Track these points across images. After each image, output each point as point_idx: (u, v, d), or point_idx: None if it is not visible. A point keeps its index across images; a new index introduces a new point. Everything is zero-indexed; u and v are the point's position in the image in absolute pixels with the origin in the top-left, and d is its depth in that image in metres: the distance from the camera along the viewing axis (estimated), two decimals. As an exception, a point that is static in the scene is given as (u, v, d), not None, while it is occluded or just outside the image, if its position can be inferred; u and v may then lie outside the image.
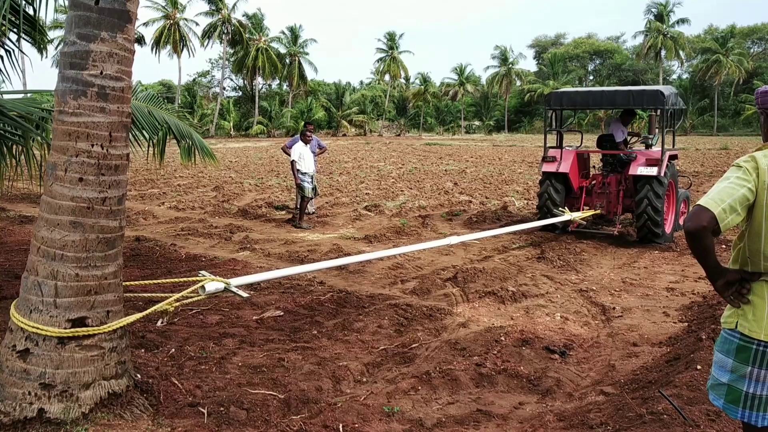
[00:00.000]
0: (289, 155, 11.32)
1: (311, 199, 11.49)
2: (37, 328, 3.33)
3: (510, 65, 77.22)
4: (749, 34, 78.30)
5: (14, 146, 6.00)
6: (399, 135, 72.20)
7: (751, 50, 77.75)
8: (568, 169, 9.84)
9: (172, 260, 8.08)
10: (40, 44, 6.29)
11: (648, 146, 10.10)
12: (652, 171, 9.06)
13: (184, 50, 61.56)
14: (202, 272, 4.22)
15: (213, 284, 4.06)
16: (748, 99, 61.80)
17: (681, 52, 70.80)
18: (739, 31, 74.05)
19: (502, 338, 5.12)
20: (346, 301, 6.25)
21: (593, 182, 10.29)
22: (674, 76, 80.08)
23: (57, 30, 44.85)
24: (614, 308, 6.20)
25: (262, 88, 71.47)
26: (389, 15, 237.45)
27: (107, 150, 3.46)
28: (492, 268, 7.66)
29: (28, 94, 6.89)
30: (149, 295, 4.85)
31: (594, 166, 11.68)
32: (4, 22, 5.08)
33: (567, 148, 10.42)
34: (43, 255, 3.40)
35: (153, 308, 3.84)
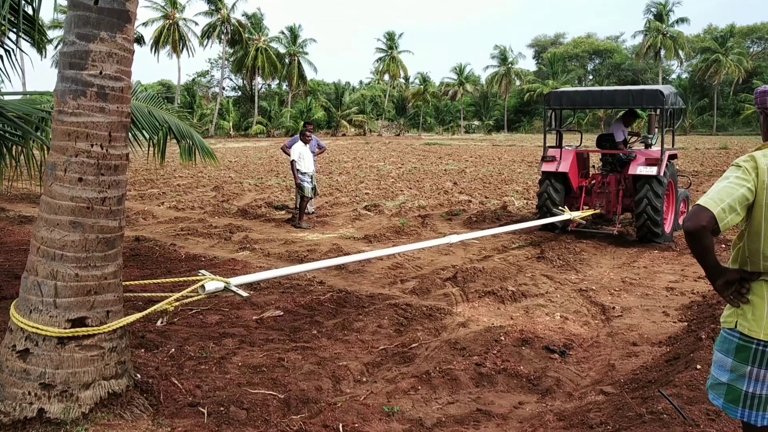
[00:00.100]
0: (289, 155, 11.32)
1: (311, 198, 11.49)
2: (37, 328, 3.33)
3: (509, 65, 77.21)
4: (748, 34, 78.31)
5: (14, 147, 6.00)
6: (398, 135, 72.20)
7: (751, 50, 77.78)
8: (568, 169, 9.84)
9: (171, 260, 8.08)
10: (40, 44, 6.28)
11: (647, 146, 10.10)
12: (652, 170, 9.06)
13: (184, 50, 61.58)
14: (202, 272, 4.22)
15: (213, 284, 4.06)
16: (747, 98, 61.80)
17: (680, 52, 70.81)
18: (738, 30, 74.05)
19: (502, 338, 5.12)
20: (346, 301, 6.25)
21: (593, 182, 10.29)
22: (674, 76, 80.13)
23: (56, 30, 44.83)
24: (614, 308, 6.20)
25: (261, 88, 71.50)
26: (388, 15, 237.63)
27: (107, 150, 3.46)
28: (492, 267, 7.66)
29: (27, 95, 6.89)
30: (149, 294, 4.84)
31: (593, 166, 11.68)
32: (3, 22, 5.07)
33: (566, 147, 10.42)
34: (43, 255, 3.40)
35: (153, 308, 3.84)
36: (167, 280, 5.04)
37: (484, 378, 4.41)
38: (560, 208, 9.68)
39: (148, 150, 7.49)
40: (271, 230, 10.65)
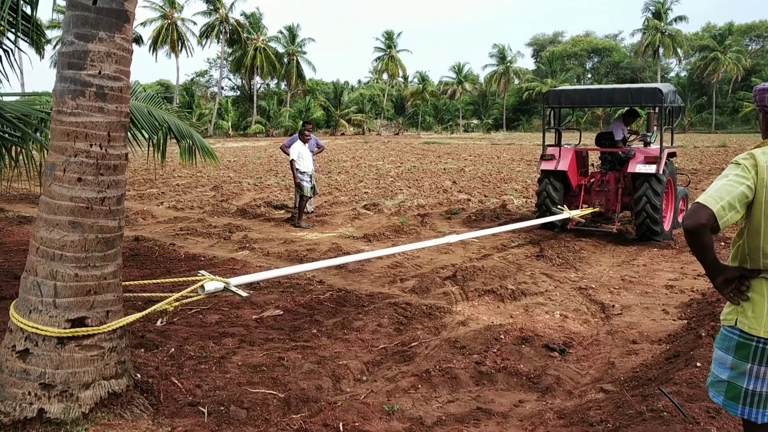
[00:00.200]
0: (288, 154, 11.31)
1: (310, 198, 11.49)
2: (37, 329, 3.32)
3: (508, 64, 77.19)
4: (747, 32, 78.28)
5: (13, 147, 5.99)
6: (397, 134, 72.18)
7: (749, 48, 77.74)
8: (567, 167, 9.84)
9: (171, 260, 8.08)
10: (38, 44, 6.28)
11: (646, 144, 10.11)
12: (651, 169, 9.06)
13: (182, 50, 61.55)
14: (202, 272, 4.22)
15: (212, 284, 4.06)
16: (746, 96, 61.81)
17: (679, 50, 70.80)
18: (736, 28, 74.02)
19: (502, 336, 5.12)
20: (346, 300, 6.25)
21: (592, 180, 10.29)
22: (672, 74, 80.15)
23: (55, 30, 44.81)
24: (613, 306, 6.21)
25: (260, 87, 71.47)
26: (387, 14, 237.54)
27: (106, 150, 3.46)
28: (491, 266, 7.66)
29: (26, 96, 6.88)
30: (149, 294, 4.84)
31: (593, 164, 11.68)
32: (2, 23, 5.06)
33: (566, 146, 10.42)
34: (42, 255, 3.39)
35: (152, 308, 3.84)
36: (167, 280, 5.04)
37: (484, 376, 4.41)
38: (559, 206, 9.68)
39: (148, 150, 7.48)
40: (271, 230, 10.65)
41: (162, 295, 4.09)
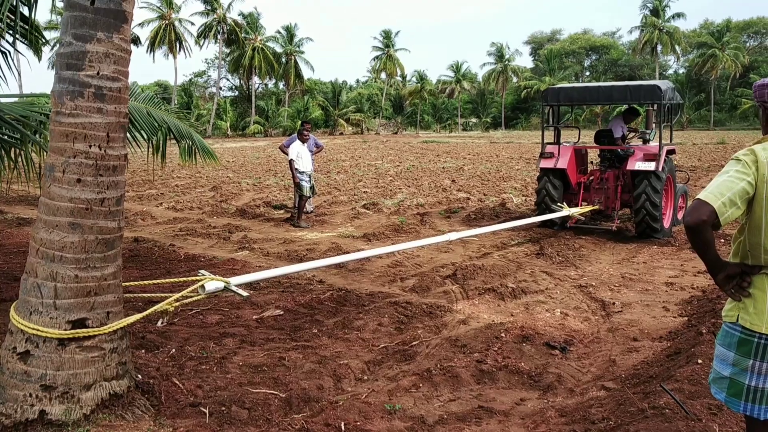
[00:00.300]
0: (287, 154, 11.31)
1: (309, 197, 11.48)
2: (37, 330, 3.32)
3: (506, 62, 77.15)
4: (745, 28, 78.32)
5: (12, 149, 5.98)
6: (396, 133, 72.17)
7: (747, 44, 77.77)
8: (566, 165, 9.84)
9: (171, 261, 8.07)
10: (36, 45, 6.27)
11: (645, 141, 10.11)
12: (650, 166, 9.06)
13: (180, 50, 61.50)
14: (202, 272, 4.21)
15: (213, 283, 4.05)
16: (744, 93, 61.83)
17: (677, 47, 70.82)
18: (734, 25, 74.00)
19: (503, 335, 5.12)
20: (346, 300, 6.25)
21: (591, 178, 10.29)
22: (670, 71, 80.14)
23: (52, 31, 44.76)
24: (614, 303, 6.21)
25: (258, 87, 71.42)
26: (385, 13, 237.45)
27: (105, 151, 3.45)
28: (491, 264, 7.66)
29: (24, 97, 6.87)
30: (149, 295, 4.83)
31: (592, 162, 11.68)
32: (1, 25, 5.05)
33: (565, 144, 10.42)
34: (42, 257, 3.39)
35: (153, 308, 3.83)
36: (167, 280, 5.02)
37: (485, 375, 4.41)
38: (559, 204, 9.68)
39: (148, 151, 7.48)
40: (270, 230, 10.65)
41: (162, 295, 4.08)
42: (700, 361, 4.06)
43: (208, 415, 3.65)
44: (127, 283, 4.33)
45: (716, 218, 2.26)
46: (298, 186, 10.95)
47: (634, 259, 8.24)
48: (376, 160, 28.26)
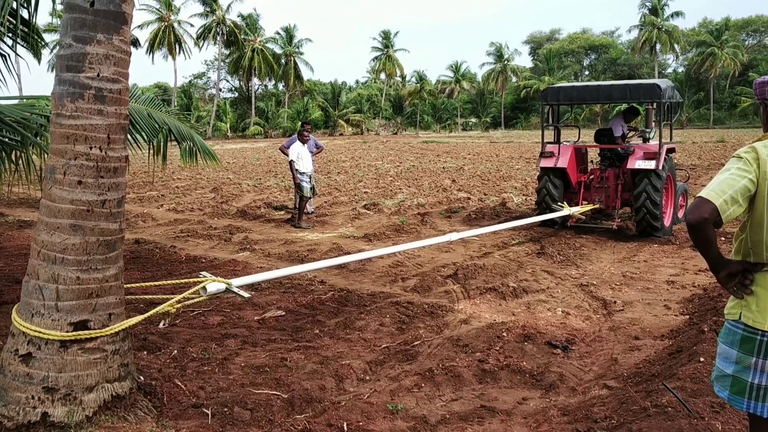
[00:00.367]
0: (287, 155, 11.31)
1: (310, 198, 11.48)
2: (39, 332, 3.32)
3: (505, 62, 77.17)
4: (744, 27, 78.33)
5: (13, 151, 5.98)
6: (396, 133, 72.18)
7: (746, 42, 77.79)
8: (566, 164, 9.84)
9: (172, 262, 8.07)
10: (36, 48, 6.27)
11: (645, 140, 10.11)
12: (650, 164, 9.06)
13: (180, 52, 61.51)
14: (203, 273, 4.21)
15: (214, 285, 4.05)
16: (743, 91, 61.82)
17: (676, 46, 70.84)
18: (733, 23, 74.01)
19: (504, 334, 5.12)
20: (348, 300, 6.25)
21: (591, 177, 10.29)
22: (669, 70, 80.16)
23: (51, 33, 44.76)
24: (615, 302, 6.20)
25: (258, 88, 71.45)
26: (385, 13, 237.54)
27: (106, 152, 3.45)
28: (492, 264, 7.66)
29: (24, 100, 6.87)
30: (150, 297, 4.83)
31: (592, 161, 11.68)
32: (1, 29, 5.05)
33: (565, 143, 10.42)
34: (44, 258, 3.39)
35: (155, 310, 3.83)
36: (168, 282, 5.05)
37: (488, 374, 4.40)
38: (559, 203, 9.68)
39: (149, 152, 7.48)
40: (271, 231, 10.65)
41: (164, 297, 4.08)
42: (702, 359, 4.05)
43: (210, 416, 3.65)
44: (128, 285, 4.32)
45: (718, 216, 2.26)
46: (298, 187, 10.95)
47: (634, 258, 8.24)
48: (376, 160, 28.26)
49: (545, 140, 10.21)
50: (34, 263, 3.43)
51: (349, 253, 8.29)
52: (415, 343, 5.05)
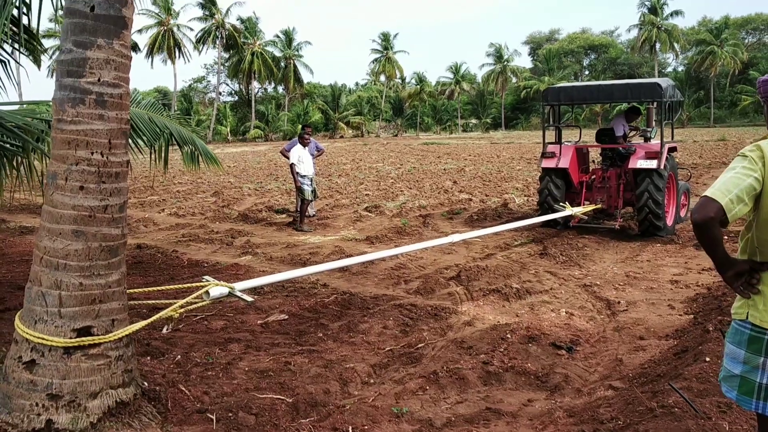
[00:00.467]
0: (288, 158, 11.30)
1: (311, 201, 11.47)
2: (43, 339, 3.31)
3: (505, 62, 77.21)
4: (743, 25, 78.33)
5: (14, 157, 5.98)
6: (396, 135, 72.21)
7: (746, 41, 77.78)
8: (568, 165, 9.82)
9: (174, 267, 8.06)
10: (36, 53, 6.27)
11: (646, 139, 10.09)
12: (652, 164, 9.04)
13: (179, 56, 61.62)
14: (206, 277, 4.20)
15: (217, 289, 4.04)
16: (743, 90, 61.80)
17: (676, 45, 70.86)
18: (733, 22, 74.01)
19: (508, 336, 5.10)
20: (351, 303, 6.23)
21: (593, 177, 10.28)
22: (669, 69, 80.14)
23: (51, 39, 44.84)
24: (619, 302, 6.19)
25: (258, 92, 71.56)
26: (384, 15, 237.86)
27: (107, 157, 3.44)
28: (495, 265, 7.64)
29: (24, 105, 6.87)
30: (153, 302, 4.83)
31: (594, 161, 11.67)
32: (3, 36, 5.05)
33: (566, 143, 10.40)
34: (46, 265, 3.38)
35: (158, 315, 3.82)
36: (171, 287, 5.02)
37: (492, 376, 4.39)
38: (561, 204, 9.66)
39: (150, 157, 7.47)
40: (273, 234, 10.64)
41: (167, 302, 4.07)
42: (707, 359, 4.03)
43: (215, 421, 3.64)
44: (131, 290, 4.31)
45: (724, 215, 2.24)
46: (299, 190, 10.94)
47: (638, 258, 8.22)
48: (377, 162, 28.26)
49: (546, 140, 10.20)
50: (37, 270, 3.42)
51: (351, 255, 8.28)
52: (419, 345, 5.03)
